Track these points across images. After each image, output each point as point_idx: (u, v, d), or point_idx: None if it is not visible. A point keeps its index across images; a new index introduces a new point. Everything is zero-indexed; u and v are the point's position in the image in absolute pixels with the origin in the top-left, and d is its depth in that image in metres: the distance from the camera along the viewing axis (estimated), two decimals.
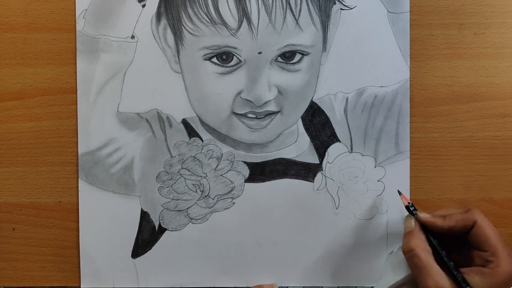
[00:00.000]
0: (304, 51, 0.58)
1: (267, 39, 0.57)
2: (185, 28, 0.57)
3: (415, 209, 0.53)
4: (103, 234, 0.58)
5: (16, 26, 0.58)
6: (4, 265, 0.59)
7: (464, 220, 0.50)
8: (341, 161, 0.58)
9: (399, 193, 0.55)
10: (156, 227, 0.58)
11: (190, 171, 0.58)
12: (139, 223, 0.58)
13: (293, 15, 0.57)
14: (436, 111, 0.59)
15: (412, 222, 0.52)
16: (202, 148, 0.58)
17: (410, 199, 0.58)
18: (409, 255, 0.50)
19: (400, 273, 0.55)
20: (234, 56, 0.57)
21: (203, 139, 0.59)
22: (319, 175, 0.58)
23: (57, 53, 0.58)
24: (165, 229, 0.59)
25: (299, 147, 0.59)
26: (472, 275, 0.49)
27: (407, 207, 0.54)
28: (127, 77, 0.58)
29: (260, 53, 0.57)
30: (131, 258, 0.58)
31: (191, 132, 0.59)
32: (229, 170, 0.58)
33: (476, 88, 0.59)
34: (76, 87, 0.58)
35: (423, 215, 0.52)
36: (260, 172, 0.59)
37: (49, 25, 0.58)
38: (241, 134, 0.58)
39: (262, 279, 0.59)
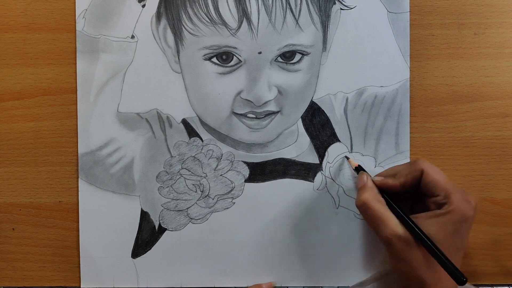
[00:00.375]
0: (304, 51, 0.58)
1: (267, 39, 0.57)
2: (185, 28, 0.57)
3: (364, 171, 0.55)
4: (103, 234, 0.58)
5: (16, 26, 0.58)
6: (4, 265, 0.59)
7: (412, 172, 0.51)
8: (341, 161, 0.58)
9: (347, 158, 0.56)
10: (156, 227, 0.58)
11: (190, 171, 0.58)
12: (139, 223, 0.58)
13: (293, 15, 0.57)
14: (436, 111, 0.59)
15: (364, 177, 0.53)
16: (202, 148, 0.58)
17: None
18: (363, 208, 0.51)
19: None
20: (234, 56, 0.57)
21: (203, 139, 0.59)
22: (319, 175, 0.58)
23: (57, 53, 0.58)
24: (165, 229, 0.58)
25: (299, 147, 0.59)
26: (426, 220, 0.50)
27: (356, 169, 0.55)
28: (127, 77, 0.58)
29: (260, 53, 0.57)
30: (131, 258, 0.58)
31: (191, 132, 0.59)
32: (229, 170, 0.58)
33: (476, 88, 0.59)
34: (76, 87, 0.58)
35: (375, 178, 0.53)
36: (260, 172, 0.59)
37: (49, 25, 0.58)
38: (241, 134, 0.58)
39: (262, 279, 0.59)
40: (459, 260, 0.50)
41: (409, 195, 0.53)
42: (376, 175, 0.55)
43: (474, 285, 0.59)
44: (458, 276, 0.46)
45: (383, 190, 0.53)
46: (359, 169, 0.56)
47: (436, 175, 0.51)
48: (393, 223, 0.49)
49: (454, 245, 0.49)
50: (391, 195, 0.52)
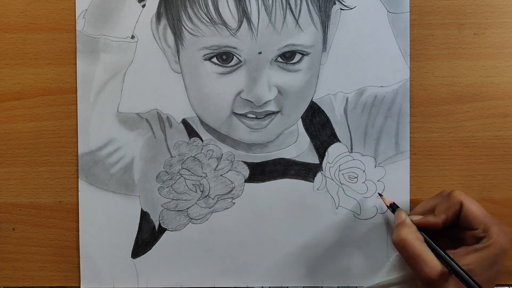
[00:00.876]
0: (304, 51, 0.58)
1: (267, 39, 0.57)
2: (185, 28, 0.57)
3: (398, 207, 0.54)
4: (103, 234, 0.58)
5: (16, 26, 0.58)
6: (4, 265, 0.59)
7: (452, 207, 0.51)
8: (341, 161, 0.58)
9: (380, 195, 0.56)
10: (156, 227, 0.58)
11: (190, 171, 0.58)
12: (139, 223, 0.58)
13: (293, 15, 0.57)
14: (436, 111, 0.59)
15: (403, 214, 0.53)
16: (202, 148, 0.58)
17: (410, 199, 0.58)
18: (402, 245, 0.50)
19: (397, 273, 0.55)
20: (234, 56, 0.57)
21: (203, 139, 0.59)
22: (319, 175, 0.58)
23: (57, 53, 0.58)
24: (165, 229, 0.59)
25: (299, 147, 0.59)
26: (465, 255, 0.49)
27: (390, 206, 0.55)
28: (127, 77, 0.58)
29: (260, 53, 0.57)
30: (131, 258, 0.58)
31: (191, 132, 0.59)
32: (229, 170, 0.58)
33: (476, 88, 0.59)
34: (76, 87, 0.58)
35: (415, 218, 0.52)
36: (260, 172, 0.59)
37: (49, 25, 0.58)
38: (241, 134, 0.58)
39: (262, 279, 0.59)
40: None
41: (445, 229, 0.52)
42: (412, 212, 0.55)
43: None
44: None
45: (421, 228, 0.52)
46: (393, 206, 0.55)
47: (475, 208, 0.50)
48: (432, 262, 0.49)
49: (491, 279, 0.49)
50: (428, 231, 0.52)
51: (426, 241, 0.51)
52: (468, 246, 0.50)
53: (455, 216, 0.51)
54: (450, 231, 0.52)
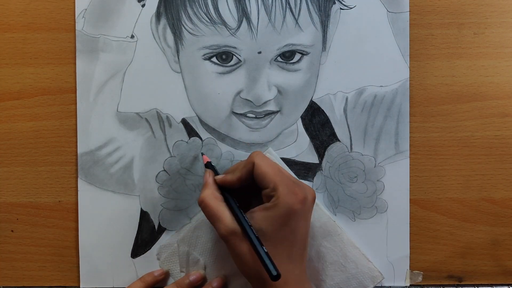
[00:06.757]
0: (303, 51, 0.58)
1: (267, 38, 0.57)
2: (185, 28, 0.57)
3: (212, 168, 0.55)
4: (102, 234, 0.58)
5: (16, 26, 0.58)
6: (3, 264, 0.59)
7: (246, 166, 0.52)
8: (341, 161, 0.58)
9: (202, 154, 0.57)
10: (156, 227, 0.58)
11: (189, 170, 0.58)
12: (139, 222, 0.58)
13: (293, 15, 0.57)
14: (436, 111, 0.59)
15: (207, 174, 0.54)
16: (201, 148, 0.58)
17: (410, 199, 0.58)
18: (201, 206, 0.52)
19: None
20: (233, 56, 0.57)
21: (203, 139, 0.59)
22: (318, 174, 0.58)
23: (56, 53, 0.58)
24: (164, 229, 0.58)
25: (298, 147, 0.59)
26: (257, 213, 0.50)
27: (206, 165, 0.55)
28: (127, 76, 0.58)
29: (259, 52, 0.57)
30: (130, 257, 0.58)
31: (191, 132, 0.59)
32: None
33: (476, 87, 0.59)
34: (76, 86, 0.58)
35: (217, 177, 0.54)
36: None
37: (49, 25, 0.58)
38: (241, 134, 0.58)
39: None
40: (296, 254, 0.50)
41: (251, 189, 0.53)
42: (225, 171, 0.56)
43: (474, 285, 0.59)
44: (270, 271, 0.46)
45: (224, 187, 0.53)
46: (208, 166, 0.56)
47: (265, 167, 0.51)
48: (227, 220, 0.50)
49: (284, 239, 0.49)
50: (235, 191, 0.53)
51: (225, 201, 0.52)
52: (261, 205, 0.50)
53: (249, 174, 0.52)
54: (253, 192, 0.53)
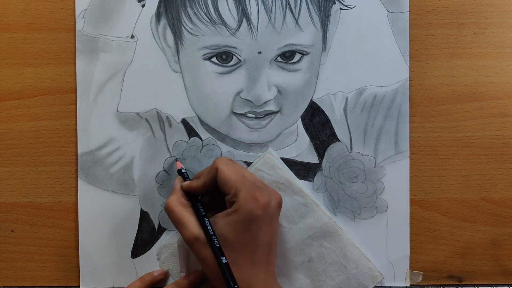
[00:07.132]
0: (303, 51, 0.58)
1: (267, 38, 0.57)
2: (185, 28, 0.57)
3: (183, 174, 0.55)
4: (102, 234, 0.58)
5: (16, 26, 0.58)
6: (3, 265, 0.59)
7: (210, 172, 0.52)
8: (341, 161, 0.58)
9: (176, 160, 0.57)
10: (156, 227, 0.58)
11: (189, 170, 0.58)
12: (139, 222, 0.58)
13: (293, 15, 0.57)
14: (436, 111, 0.59)
15: (176, 181, 0.55)
16: (201, 148, 0.58)
17: (410, 199, 0.58)
18: (167, 212, 0.52)
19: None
20: (233, 56, 0.57)
21: (203, 139, 0.59)
22: (318, 174, 0.58)
23: (56, 53, 0.58)
24: (164, 229, 0.58)
25: (298, 147, 0.59)
26: (219, 219, 0.50)
27: (178, 171, 0.56)
28: (127, 76, 0.58)
29: (259, 52, 0.57)
30: (130, 258, 0.58)
31: (191, 132, 0.59)
32: None
33: (476, 87, 0.59)
34: (76, 87, 0.58)
35: (183, 183, 0.54)
36: None
37: (49, 25, 0.58)
38: (241, 134, 0.58)
39: None
40: (259, 259, 0.50)
41: (218, 195, 0.53)
42: (194, 176, 0.56)
43: (474, 285, 0.59)
44: (229, 282, 0.48)
45: (189, 192, 0.53)
46: (179, 172, 0.56)
47: (228, 173, 0.51)
48: (191, 226, 0.50)
49: (246, 244, 0.49)
50: (207, 196, 0.54)
51: (192, 206, 0.52)
52: (224, 211, 0.51)
53: (213, 180, 0.52)
54: (219, 198, 0.53)
